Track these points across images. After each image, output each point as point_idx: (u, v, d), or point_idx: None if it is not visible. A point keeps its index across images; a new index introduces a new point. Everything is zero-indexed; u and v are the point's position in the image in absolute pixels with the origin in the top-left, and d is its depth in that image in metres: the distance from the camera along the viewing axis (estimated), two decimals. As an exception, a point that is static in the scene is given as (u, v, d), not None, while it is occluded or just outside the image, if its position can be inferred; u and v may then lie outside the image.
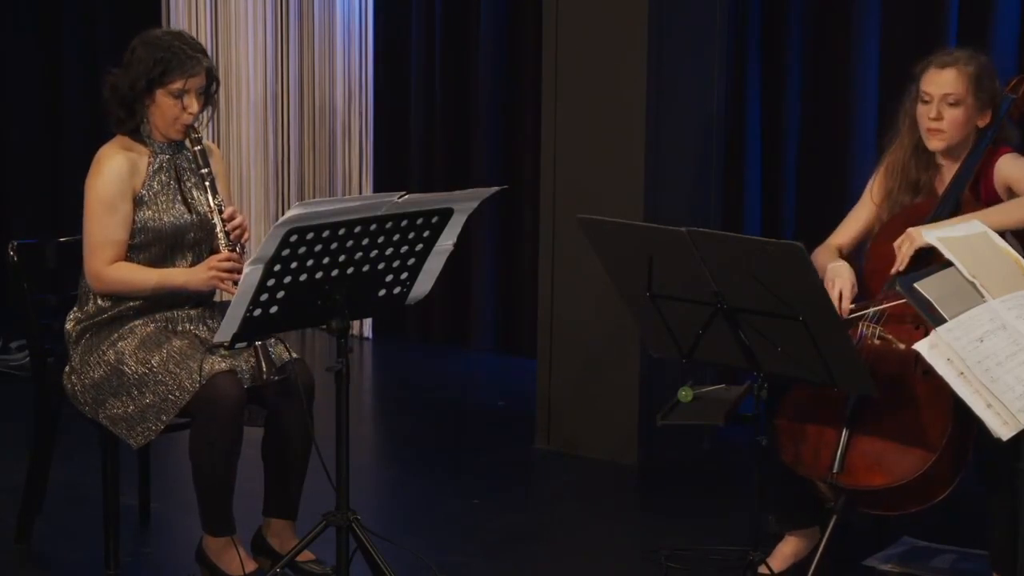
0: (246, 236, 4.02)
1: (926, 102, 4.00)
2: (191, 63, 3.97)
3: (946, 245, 3.38)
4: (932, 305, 3.26)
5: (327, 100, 7.20)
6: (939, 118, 3.97)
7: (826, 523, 3.87)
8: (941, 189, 4.05)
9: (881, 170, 4.17)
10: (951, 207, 3.92)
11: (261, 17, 7.32)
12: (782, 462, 3.86)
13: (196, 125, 4.04)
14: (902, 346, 3.81)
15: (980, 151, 3.98)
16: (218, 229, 3.98)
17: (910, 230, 3.85)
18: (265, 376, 3.85)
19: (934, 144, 4.01)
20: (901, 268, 3.82)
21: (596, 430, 5.31)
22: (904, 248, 3.84)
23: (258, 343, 3.83)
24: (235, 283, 3.79)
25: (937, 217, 3.91)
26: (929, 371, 3.53)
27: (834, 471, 3.77)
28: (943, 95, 3.97)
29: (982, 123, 4.01)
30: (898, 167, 4.10)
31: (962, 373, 3.17)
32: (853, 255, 4.17)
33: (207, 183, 4.01)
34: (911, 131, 4.07)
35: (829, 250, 4.16)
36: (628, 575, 4.30)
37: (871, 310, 3.90)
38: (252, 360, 3.87)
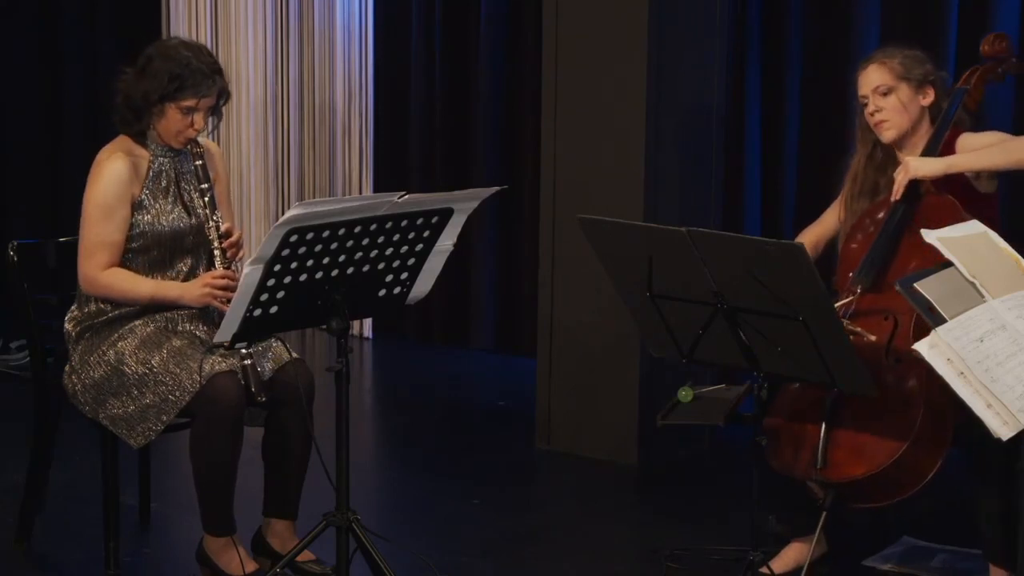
0: (241, 254, 4.02)
1: (865, 104, 4.16)
2: (206, 84, 3.97)
3: (946, 245, 3.37)
4: (932, 305, 3.26)
5: (327, 100, 7.20)
6: (878, 110, 4.12)
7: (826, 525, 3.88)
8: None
9: (846, 181, 4.29)
10: (902, 216, 4.01)
11: (261, 17, 7.32)
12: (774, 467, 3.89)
13: (198, 138, 4.05)
14: (872, 337, 3.86)
15: (939, 139, 4.08)
16: (214, 246, 3.99)
17: (907, 159, 4.03)
18: (258, 399, 3.84)
19: (886, 136, 4.14)
20: (897, 198, 3.99)
21: (596, 430, 5.31)
22: (899, 177, 4.00)
23: (248, 362, 3.83)
24: (228, 301, 3.78)
25: (888, 226, 4.01)
26: (901, 359, 3.71)
27: (817, 467, 3.79)
28: (873, 89, 4.12)
29: (925, 101, 4.14)
30: (854, 176, 4.25)
31: (962, 373, 3.17)
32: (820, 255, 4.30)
33: (206, 199, 4.01)
34: (863, 141, 4.22)
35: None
36: (628, 575, 4.30)
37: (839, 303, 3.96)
38: (242, 381, 3.85)
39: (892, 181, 4.10)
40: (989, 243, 3.42)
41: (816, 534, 3.87)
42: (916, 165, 3.97)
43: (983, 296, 3.27)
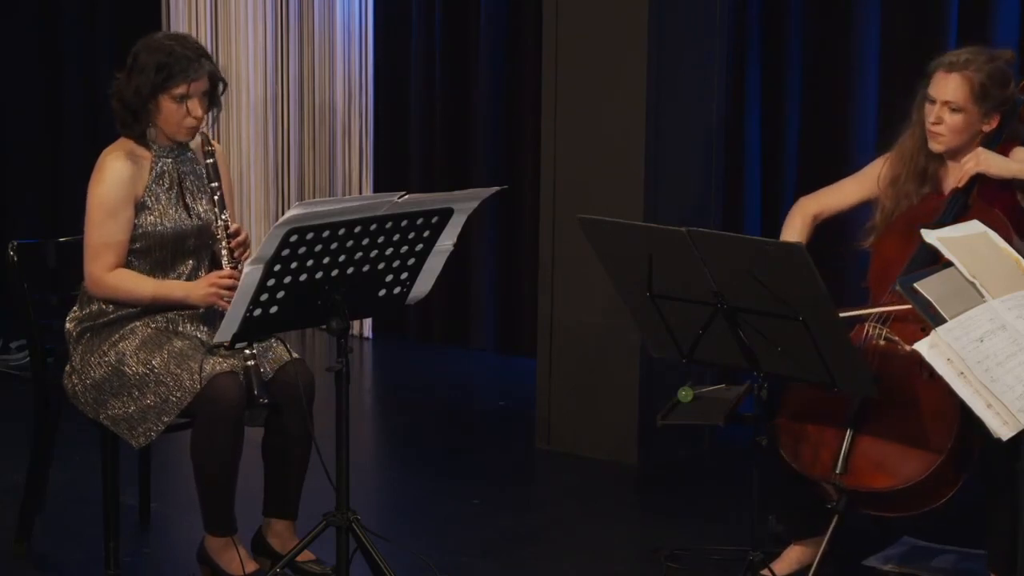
0: (248, 254, 4.02)
1: (931, 103, 4.00)
2: (193, 67, 3.97)
3: (946, 245, 3.37)
4: (932, 305, 3.26)
5: (327, 100, 7.20)
6: (939, 122, 3.97)
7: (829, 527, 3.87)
8: (947, 185, 4.05)
9: (893, 155, 4.15)
10: (959, 209, 3.92)
11: (261, 17, 7.32)
12: (785, 463, 3.87)
13: (206, 131, 4.04)
14: (908, 348, 3.78)
15: (992, 145, 3.96)
16: (222, 245, 3.99)
17: (979, 149, 3.90)
18: (259, 400, 3.85)
19: (934, 146, 4.01)
20: (960, 185, 3.90)
21: (596, 430, 5.31)
22: (968, 166, 3.89)
23: (251, 363, 3.84)
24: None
25: (944, 218, 3.90)
26: (935, 373, 3.55)
27: (837, 471, 3.77)
28: (944, 101, 3.96)
29: (987, 128, 3.99)
30: (907, 155, 4.09)
31: (962, 373, 3.17)
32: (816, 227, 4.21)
33: (215, 198, 4.02)
34: (922, 123, 4.05)
35: (802, 217, 4.19)
36: (628, 575, 4.30)
37: (873, 311, 3.90)
38: (243, 381, 3.86)
39: (937, 173, 4.03)
40: (989, 243, 3.42)
41: (828, 535, 3.84)
42: (987, 159, 3.86)
43: (983, 296, 3.27)
